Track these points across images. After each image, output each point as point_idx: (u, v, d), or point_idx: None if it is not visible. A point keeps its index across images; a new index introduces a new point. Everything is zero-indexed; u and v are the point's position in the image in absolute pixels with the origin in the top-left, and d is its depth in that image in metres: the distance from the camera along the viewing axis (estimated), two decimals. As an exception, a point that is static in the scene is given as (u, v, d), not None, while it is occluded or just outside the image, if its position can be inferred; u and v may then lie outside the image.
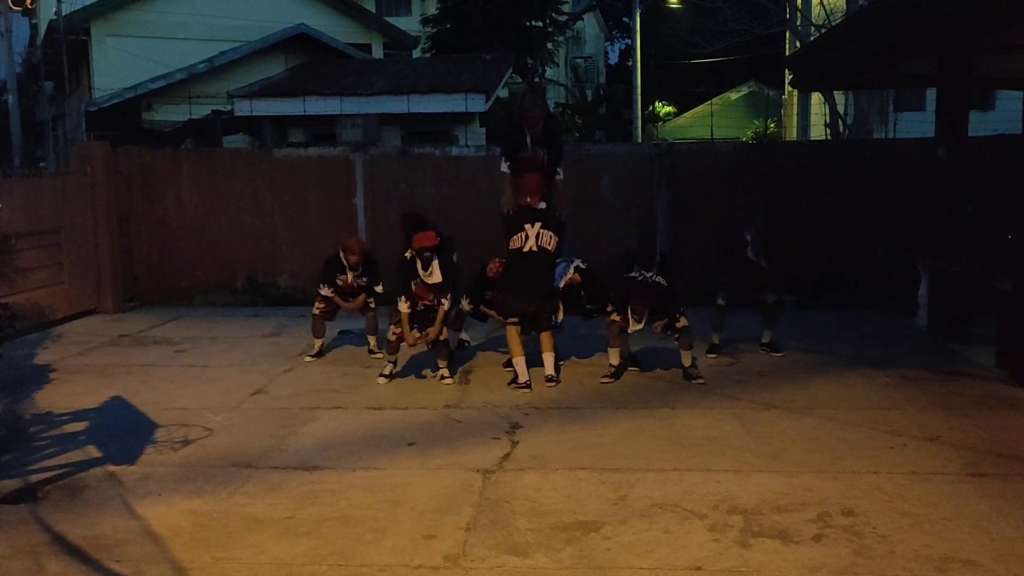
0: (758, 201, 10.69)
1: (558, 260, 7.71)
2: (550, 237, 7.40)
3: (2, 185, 9.90)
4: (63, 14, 19.62)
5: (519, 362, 7.43)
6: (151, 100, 19.12)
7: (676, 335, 7.55)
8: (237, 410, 6.92)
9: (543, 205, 7.46)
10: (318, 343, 8.68)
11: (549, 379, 7.48)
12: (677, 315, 7.48)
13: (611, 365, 7.65)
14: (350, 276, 8.46)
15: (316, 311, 8.59)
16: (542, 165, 7.56)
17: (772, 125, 28.73)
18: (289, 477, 5.44)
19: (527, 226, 7.37)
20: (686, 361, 7.60)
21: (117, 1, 20.82)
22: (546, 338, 7.56)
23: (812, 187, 11.16)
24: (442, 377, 7.65)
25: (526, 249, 7.38)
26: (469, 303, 8.09)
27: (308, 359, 8.56)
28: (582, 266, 7.93)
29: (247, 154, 13.09)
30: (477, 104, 16.45)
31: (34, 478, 5.47)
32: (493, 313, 7.96)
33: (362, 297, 8.54)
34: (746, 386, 7.36)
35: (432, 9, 23.30)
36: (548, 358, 7.55)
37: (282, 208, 11.93)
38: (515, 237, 7.43)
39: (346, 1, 23.52)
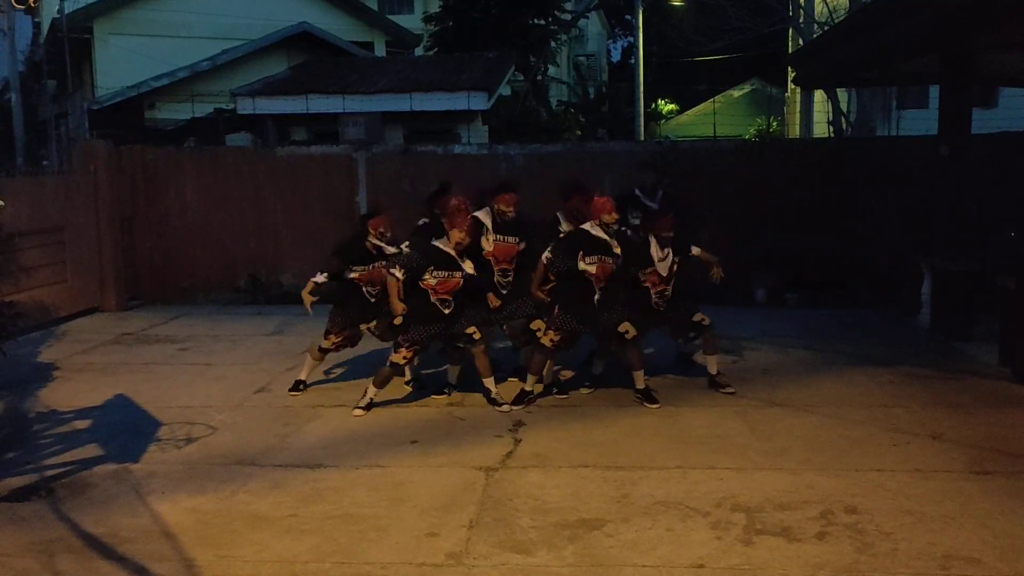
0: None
1: None
2: None
3: (6, 184, 9.90)
4: (66, 12, 19.59)
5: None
6: (154, 98, 19.11)
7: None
8: (240, 408, 6.94)
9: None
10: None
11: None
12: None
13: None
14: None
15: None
16: None
17: (775, 123, 28.65)
18: (292, 475, 5.45)
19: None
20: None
21: (120, -1, 20.85)
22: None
23: (814, 185, 11.15)
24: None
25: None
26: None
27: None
28: None
29: (250, 152, 13.10)
30: (480, 102, 16.43)
31: (39, 476, 5.49)
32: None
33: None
34: (749, 384, 7.35)
35: (434, 7, 23.25)
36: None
37: (285, 206, 11.95)
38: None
39: (348, -1, 23.53)
